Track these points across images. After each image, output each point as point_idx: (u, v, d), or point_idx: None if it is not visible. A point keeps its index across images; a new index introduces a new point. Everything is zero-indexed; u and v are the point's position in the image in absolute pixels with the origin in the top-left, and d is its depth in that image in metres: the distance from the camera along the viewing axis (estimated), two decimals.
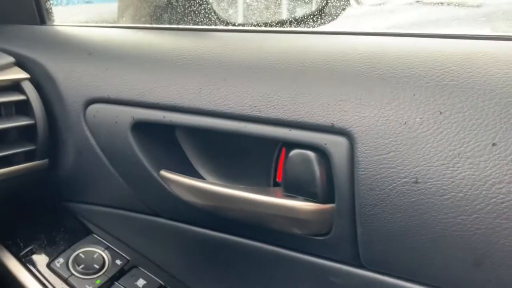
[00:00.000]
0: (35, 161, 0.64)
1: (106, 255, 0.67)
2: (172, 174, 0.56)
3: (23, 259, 0.64)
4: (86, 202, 0.72)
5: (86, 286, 0.62)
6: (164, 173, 0.57)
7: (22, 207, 0.73)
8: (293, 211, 0.49)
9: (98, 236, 0.70)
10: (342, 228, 0.48)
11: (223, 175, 0.59)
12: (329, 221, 0.48)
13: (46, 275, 0.62)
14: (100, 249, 0.67)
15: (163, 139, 0.61)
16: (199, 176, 0.60)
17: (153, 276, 0.65)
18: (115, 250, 0.68)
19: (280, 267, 0.57)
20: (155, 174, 0.58)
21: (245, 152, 0.58)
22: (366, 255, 0.48)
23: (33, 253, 0.65)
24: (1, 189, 0.66)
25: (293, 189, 0.49)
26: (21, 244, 0.66)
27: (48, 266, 0.64)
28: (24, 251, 0.65)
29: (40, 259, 0.64)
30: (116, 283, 0.63)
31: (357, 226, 0.46)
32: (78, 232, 0.70)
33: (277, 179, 0.55)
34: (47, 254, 0.65)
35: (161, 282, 0.65)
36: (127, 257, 0.67)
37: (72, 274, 0.63)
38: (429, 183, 0.41)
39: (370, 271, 0.49)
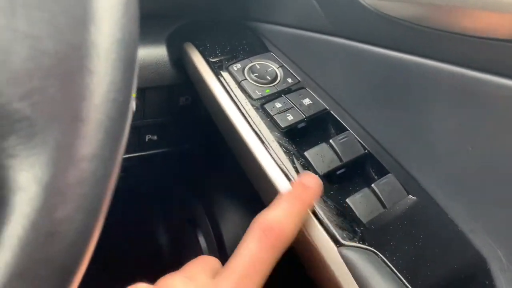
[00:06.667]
0: None
1: (279, 71, 0.68)
2: None
3: (210, 62, 0.69)
4: (270, 21, 0.73)
5: (256, 91, 0.65)
6: None
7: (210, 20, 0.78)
8: None
9: (275, 55, 0.71)
10: None
11: None
12: None
13: (224, 75, 0.67)
14: (274, 66, 0.69)
15: None
16: None
17: (318, 98, 0.65)
18: (288, 70, 0.69)
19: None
20: None
21: None
22: None
23: (218, 57, 0.70)
24: None
25: None
26: (210, 49, 0.72)
27: (227, 68, 0.68)
28: (211, 56, 0.71)
29: (222, 63, 0.69)
30: (283, 96, 0.64)
31: None
32: (258, 49, 0.73)
33: None
34: (228, 60, 0.70)
35: (325, 105, 0.64)
36: (298, 78, 0.68)
37: (246, 78, 0.66)
38: None
39: None
